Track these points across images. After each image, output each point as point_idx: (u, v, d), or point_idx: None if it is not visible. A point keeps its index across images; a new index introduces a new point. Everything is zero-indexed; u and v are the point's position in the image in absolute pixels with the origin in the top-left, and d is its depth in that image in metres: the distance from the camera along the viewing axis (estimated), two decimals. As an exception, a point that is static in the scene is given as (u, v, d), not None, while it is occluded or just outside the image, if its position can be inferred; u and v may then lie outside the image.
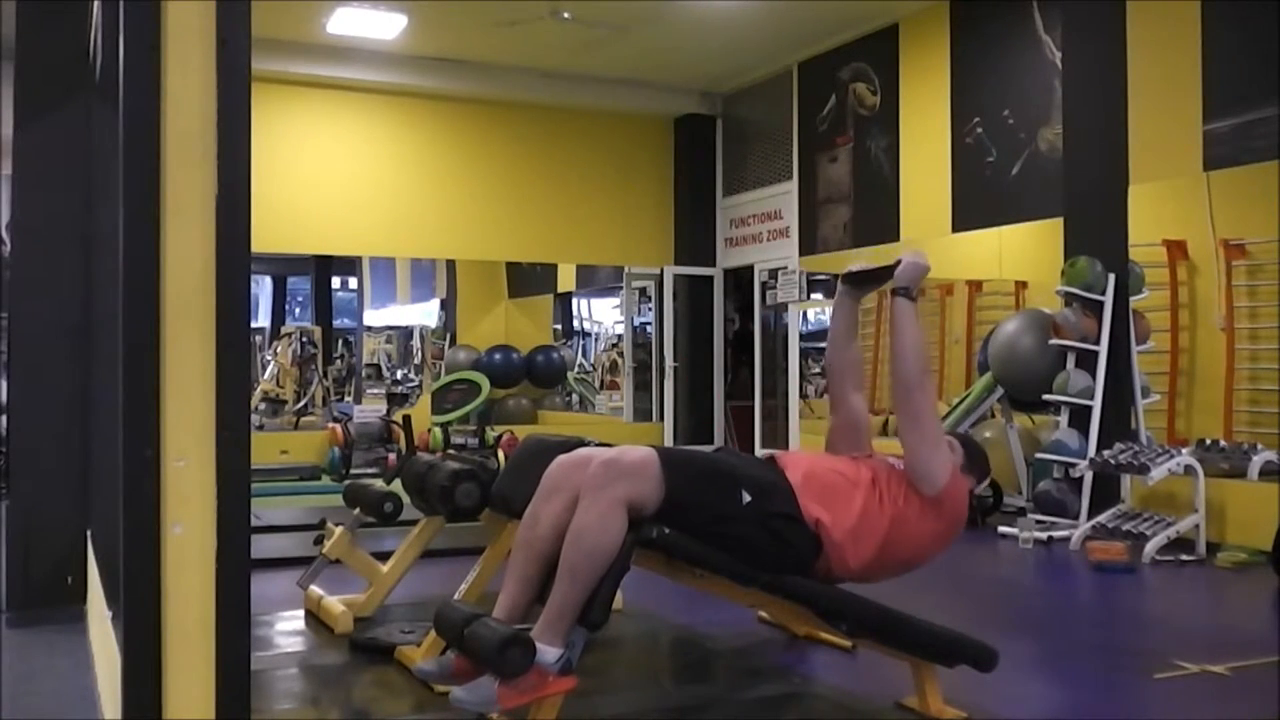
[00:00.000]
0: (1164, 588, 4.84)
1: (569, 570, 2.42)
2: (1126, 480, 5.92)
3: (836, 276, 3.10)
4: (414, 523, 3.95)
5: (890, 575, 2.87)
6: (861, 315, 11.45)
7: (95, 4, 3.45)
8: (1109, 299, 6.10)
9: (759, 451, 9.23)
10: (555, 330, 14.07)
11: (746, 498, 2.63)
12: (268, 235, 8.27)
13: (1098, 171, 6.33)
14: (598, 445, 2.80)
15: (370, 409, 10.14)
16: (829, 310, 11.64)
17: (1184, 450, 5.53)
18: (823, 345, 12.62)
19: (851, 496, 2.74)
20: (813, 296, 11.81)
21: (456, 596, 3.37)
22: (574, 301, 14.70)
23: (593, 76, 9.69)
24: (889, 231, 8.43)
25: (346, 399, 12.02)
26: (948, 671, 2.87)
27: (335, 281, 13.66)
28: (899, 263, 2.91)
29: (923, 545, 2.84)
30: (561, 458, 2.65)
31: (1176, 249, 7.19)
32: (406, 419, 7.37)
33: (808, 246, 9.18)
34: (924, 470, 2.79)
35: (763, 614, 3.73)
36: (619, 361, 12.43)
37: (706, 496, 2.60)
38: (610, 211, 10.31)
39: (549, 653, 2.38)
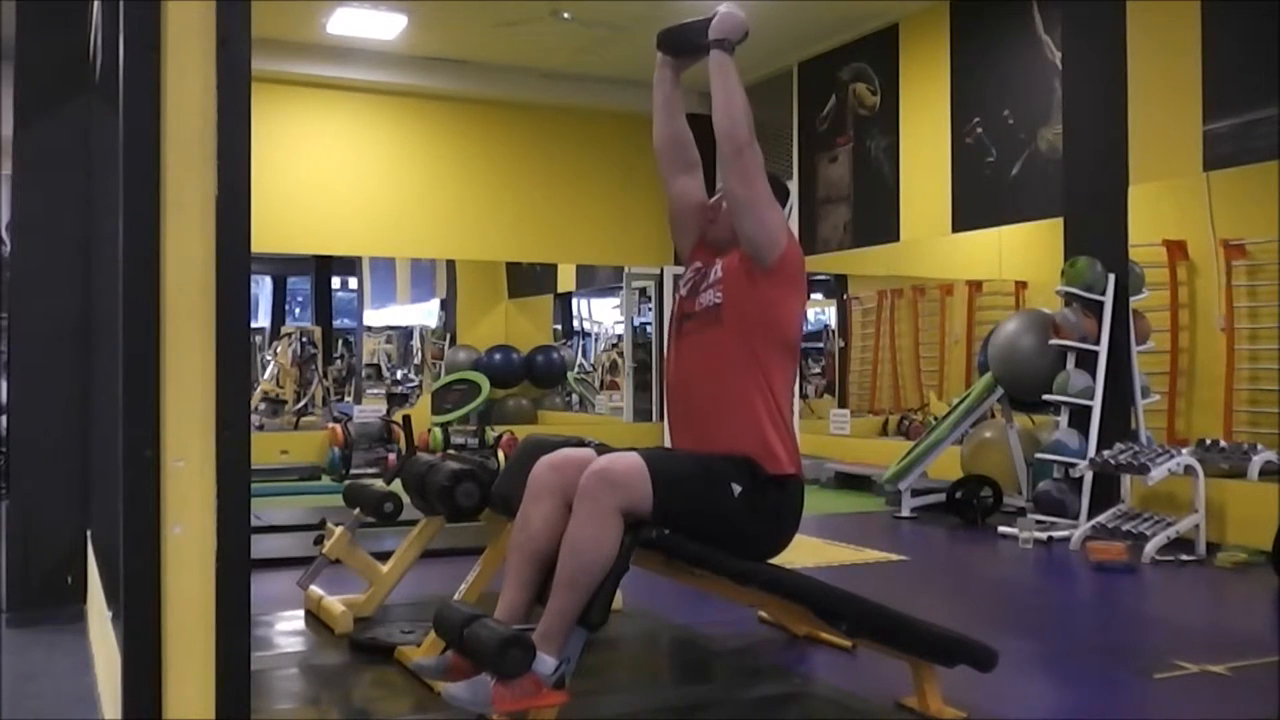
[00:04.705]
0: (1164, 588, 4.84)
1: (567, 581, 2.42)
2: (1126, 480, 5.92)
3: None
4: (414, 523, 3.95)
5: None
6: (861, 315, 11.46)
7: (95, 4, 3.45)
8: (1109, 299, 6.10)
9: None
10: (555, 330, 14.07)
11: (737, 489, 2.62)
12: (268, 235, 8.27)
13: (1098, 171, 6.33)
14: (598, 445, 2.80)
15: (370, 409, 10.14)
16: (829, 310, 11.67)
17: (1184, 450, 5.52)
18: (821, 345, 12.56)
19: (751, 407, 2.67)
20: (812, 296, 11.82)
21: (456, 596, 3.37)
22: (574, 301, 14.71)
23: (593, 76, 9.69)
24: (889, 231, 8.43)
25: (346, 399, 12.03)
26: (948, 671, 2.86)
27: (335, 281, 13.67)
28: (714, 16, 2.78)
29: (795, 320, 2.79)
30: (545, 458, 2.63)
31: (1176, 249, 7.19)
32: (406, 419, 7.34)
33: (807, 247, 9.18)
34: (763, 233, 2.68)
35: (763, 614, 3.73)
36: (619, 361, 12.43)
37: (699, 499, 2.59)
38: (610, 211, 10.30)
39: (546, 663, 2.37)
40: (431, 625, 2.72)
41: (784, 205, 2.88)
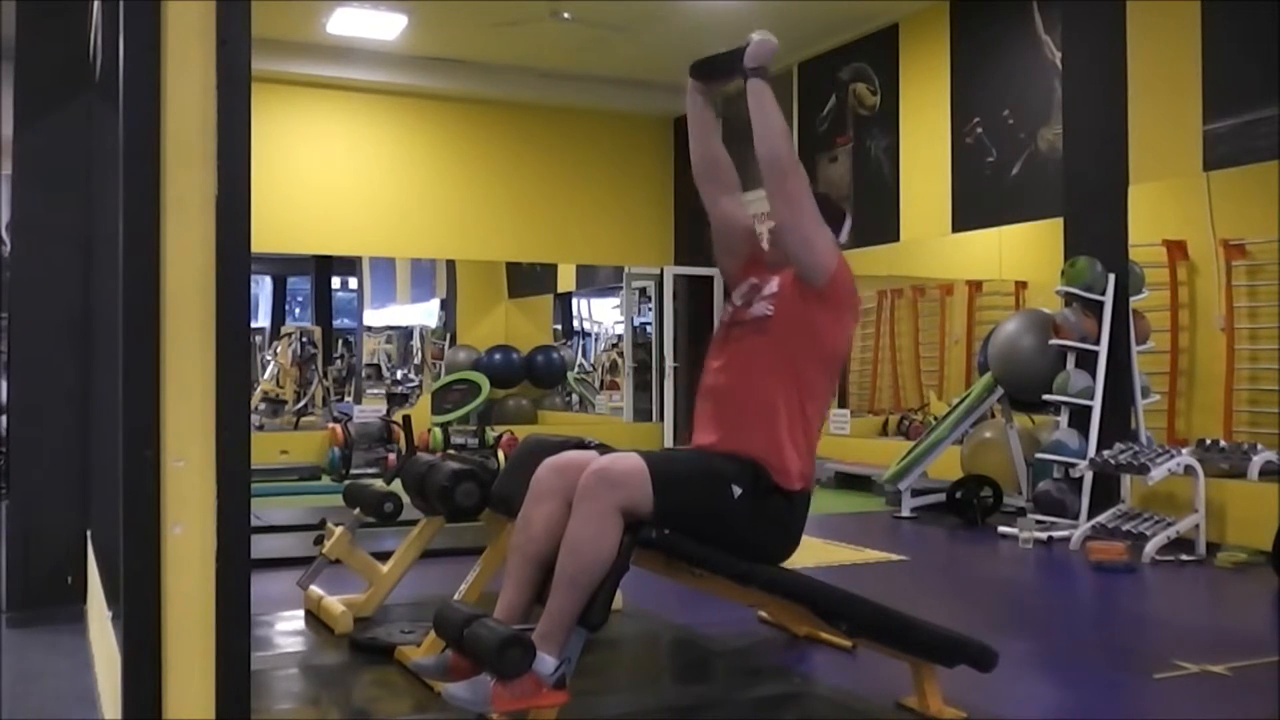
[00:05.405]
0: (1164, 588, 4.84)
1: (567, 580, 2.42)
2: (1126, 480, 5.92)
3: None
4: (414, 523, 3.95)
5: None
6: (861, 315, 11.40)
7: (95, 4, 3.45)
8: (1109, 299, 6.10)
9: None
10: (555, 330, 14.07)
11: (737, 491, 2.62)
12: (268, 235, 8.27)
13: (1098, 171, 6.33)
14: (597, 445, 2.80)
15: (370, 409, 10.14)
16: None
17: (1184, 450, 5.52)
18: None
19: (774, 415, 2.66)
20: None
21: (456, 596, 3.37)
22: (574, 301, 14.70)
23: (593, 76, 9.69)
24: (889, 231, 8.43)
25: (346, 399, 12.02)
26: (948, 671, 2.86)
27: (335, 281, 13.66)
28: (747, 44, 2.80)
29: (842, 343, 2.81)
30: (548, 460, 2.64)
31: (1176, 249, 7.19)
32: (406, 419, 7.35)
33: (808, 246, 9.17)
34: (810, 256, 2.68)
35: (763, 614, 3.73)
36: (619, 361, 12.43)
37: (698, 499, 2.59)
38: (610, 211, 10.30)
39: (546, 663, 2.37)
40: (431, 625, 2.72)
41: (841, 225, 2.90)
